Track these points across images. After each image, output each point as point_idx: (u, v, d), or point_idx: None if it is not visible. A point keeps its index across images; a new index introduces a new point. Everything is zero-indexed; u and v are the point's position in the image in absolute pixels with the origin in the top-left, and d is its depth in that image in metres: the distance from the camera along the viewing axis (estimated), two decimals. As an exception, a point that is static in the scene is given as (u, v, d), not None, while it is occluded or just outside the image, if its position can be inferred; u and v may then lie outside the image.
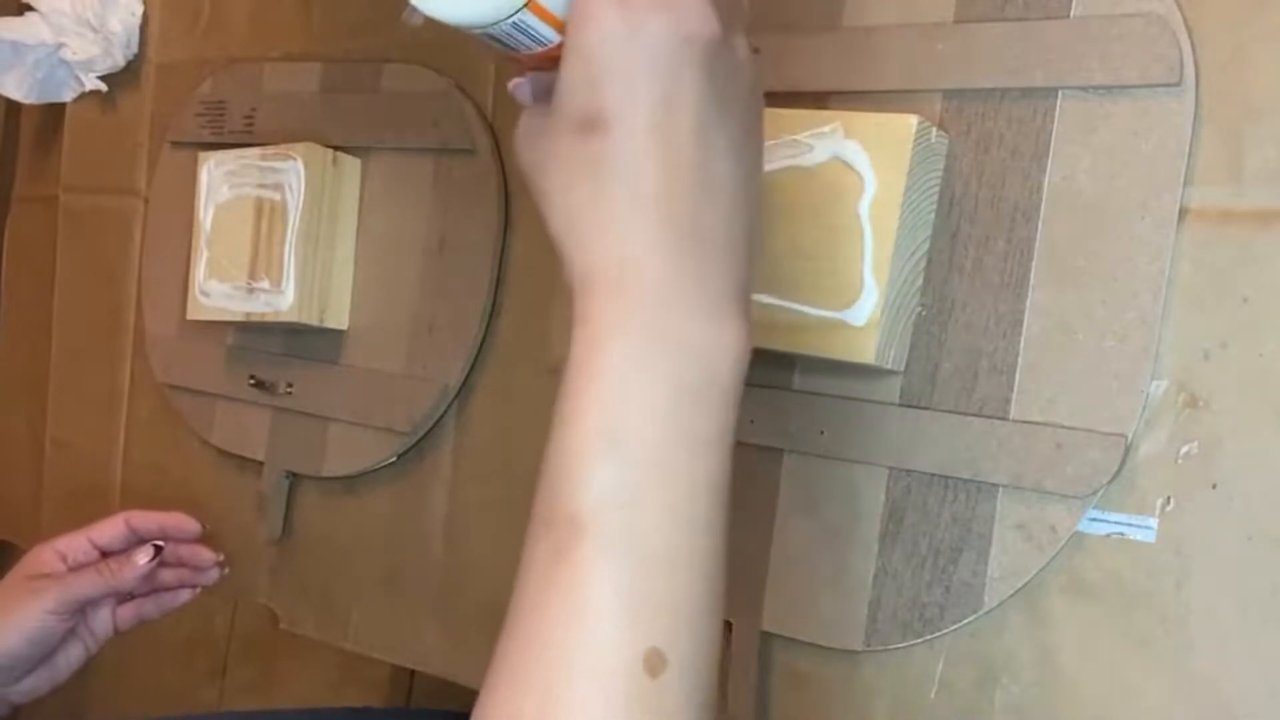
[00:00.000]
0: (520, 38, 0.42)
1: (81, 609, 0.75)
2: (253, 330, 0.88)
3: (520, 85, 0.46)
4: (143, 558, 0.76)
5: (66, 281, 1.06)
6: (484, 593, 0.75)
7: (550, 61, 0.42)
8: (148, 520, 0.78)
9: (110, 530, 0.77)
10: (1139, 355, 0.53)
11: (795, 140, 0.58)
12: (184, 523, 0.80)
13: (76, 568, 0.75)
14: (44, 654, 0.74)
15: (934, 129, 0.57)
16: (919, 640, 0.58)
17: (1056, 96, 0.56)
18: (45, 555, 0.75)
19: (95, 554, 0.77)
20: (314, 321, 0.81)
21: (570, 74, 0.41)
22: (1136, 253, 0.54)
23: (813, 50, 0.62)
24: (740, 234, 0.41)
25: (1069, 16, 0.55)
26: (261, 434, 0.87)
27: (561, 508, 0.38)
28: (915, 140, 0.55)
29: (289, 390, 0.85)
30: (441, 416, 0.77)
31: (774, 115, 0.58)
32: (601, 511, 0.38)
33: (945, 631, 0.58)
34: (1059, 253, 0.56)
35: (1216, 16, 0.53)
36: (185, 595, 0.81)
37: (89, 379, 1.03)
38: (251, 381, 0.87)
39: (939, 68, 0.59)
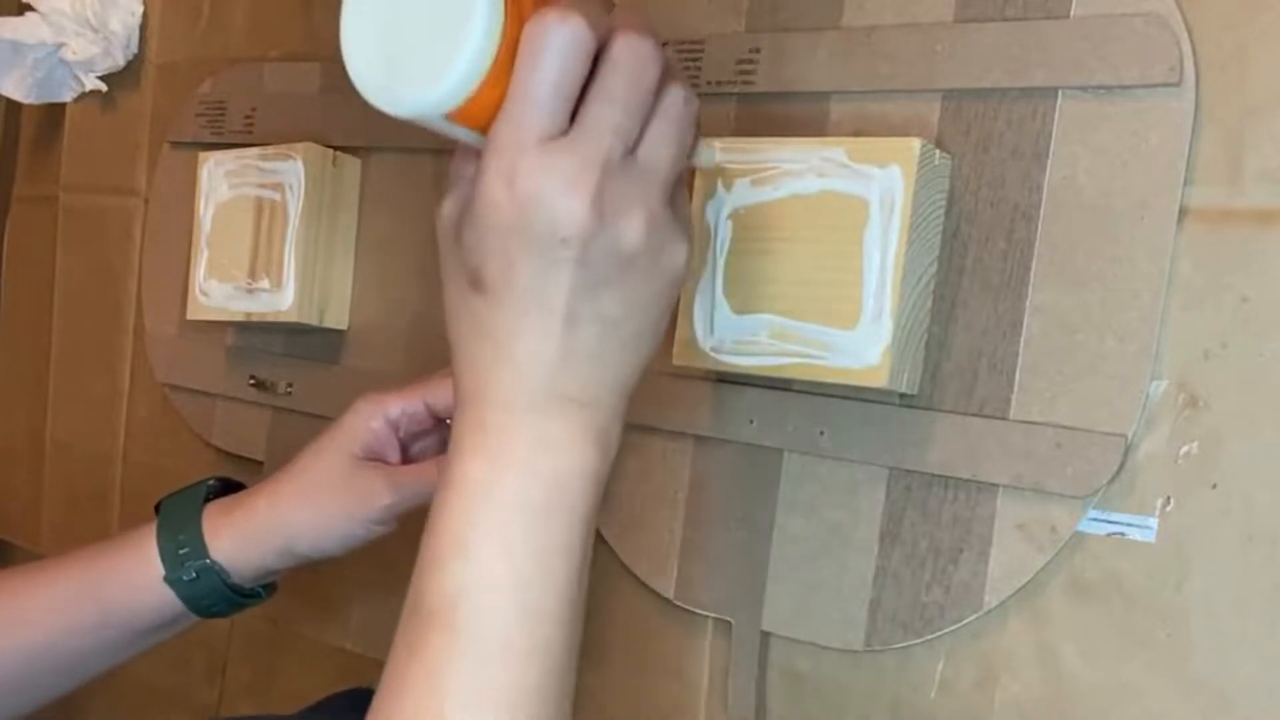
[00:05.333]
0: (461, 137, 0.45)
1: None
2: (253, 330, 0.88)
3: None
4: None
5: (66, 281, 1.06)
6: (484, 593, 0.75)
7: None
8: None
9: (451, 393, 0.63)
10: (1139, 355, 0.53)
11: (797, 167, 0.57)
12: None
13: (409, 439, 0.64)
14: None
15: (937, 151, 0.56)
16: (919, 640, 0.58)
17: (1056, 96, 0.56)
18: (375, 423, 0.62)
19: (429, 420, 0.64)
20: (314, 321, 0.81)
21: (467, 232, 0.44)
22: (1136, 253, 0.54)
23: (813, 50, 0.62)
24: (602, 385, 0.46)
25: (1069, 16, 0.55)
26: (261, 434, 0.87)
27: (422, 601, 0.44)
28: (919, 163, 0.55)
29: (289, 390, 0.85)
30: (441, 416, 0.77)
31: (776, 142, 0.58)
32: (452, 606, 0.43)
33: (945, 631, 0.58)
34: (1059, 253, 0.56)
35: (1216, 16, 0.53)
36: None
37: (89, 379, 1.03)
38: (251, 381, 0.87)
39: (939, 68, 0.59)
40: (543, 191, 0.42)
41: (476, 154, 0.45)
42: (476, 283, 0.44)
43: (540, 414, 0.44)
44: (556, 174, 0.42)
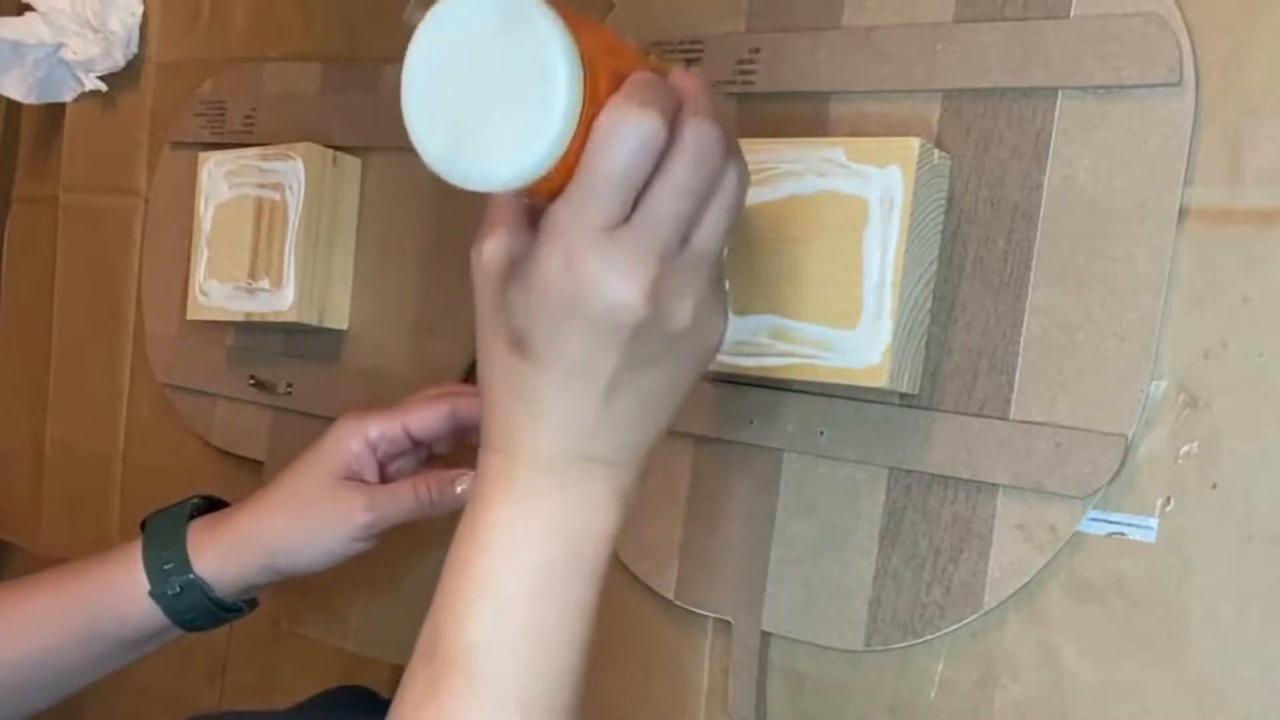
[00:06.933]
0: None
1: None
2: (253, 330, 0.88)
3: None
4: (466, 485, 0.64)
5: (66, 281, 1.06)
6: (484, 593, 0.75)
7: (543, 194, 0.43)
8: (475, 409, 0.64)
9: (430, 419, 0.65)
10: (1139, 355, 0.53)
11: (796, 167, 0.57)
12: None
13: (386, 460, 0.66)
14: None
15: (936, 150, 0.56)
16: (919, 640, 0.58)
17: (1056, 96, 0.56)
18: (355, 445, 0.65)
19: (407, 443, 0.66)
20: (314, 321, 0.81)
21: (515, 296, 0.44)
22: (1136, 253, 0.54)
23: (813, 50, 0.62)
24: (632, 448, 0.47)
25: (1069, 16, 0.55)
26: (261, 434, 0.87)
27: (440, 644, 0.45)
28: (918, 163, 0.55)
29: (289, 390, 0.85)
30: (441, 416, 0.77)
31: (775, 142, 0.58)
32: (471, 654, 0.44)
33: (945, 631, 0.58)
34: (1059, 253, 0.56)
35: (1216, 16, 0.53)
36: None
37: (89, 379, 1.03)
38: (251, 381, 0.87)
39: (939, 68, 0.59)
40: (600, 279, 0.42)
41: (520, 199, 0.45)
42: (519, 345, 0.44)
43: (569, 474, 0.45)
44: (615, 263, 0.42)
